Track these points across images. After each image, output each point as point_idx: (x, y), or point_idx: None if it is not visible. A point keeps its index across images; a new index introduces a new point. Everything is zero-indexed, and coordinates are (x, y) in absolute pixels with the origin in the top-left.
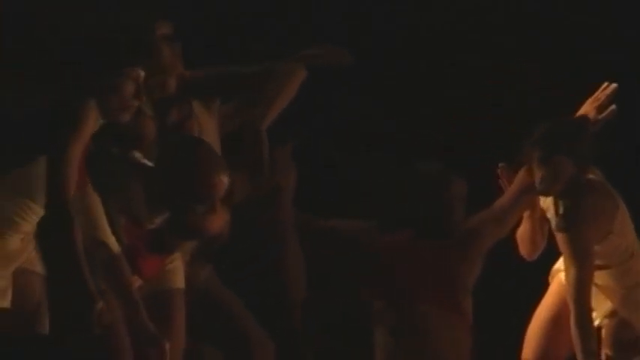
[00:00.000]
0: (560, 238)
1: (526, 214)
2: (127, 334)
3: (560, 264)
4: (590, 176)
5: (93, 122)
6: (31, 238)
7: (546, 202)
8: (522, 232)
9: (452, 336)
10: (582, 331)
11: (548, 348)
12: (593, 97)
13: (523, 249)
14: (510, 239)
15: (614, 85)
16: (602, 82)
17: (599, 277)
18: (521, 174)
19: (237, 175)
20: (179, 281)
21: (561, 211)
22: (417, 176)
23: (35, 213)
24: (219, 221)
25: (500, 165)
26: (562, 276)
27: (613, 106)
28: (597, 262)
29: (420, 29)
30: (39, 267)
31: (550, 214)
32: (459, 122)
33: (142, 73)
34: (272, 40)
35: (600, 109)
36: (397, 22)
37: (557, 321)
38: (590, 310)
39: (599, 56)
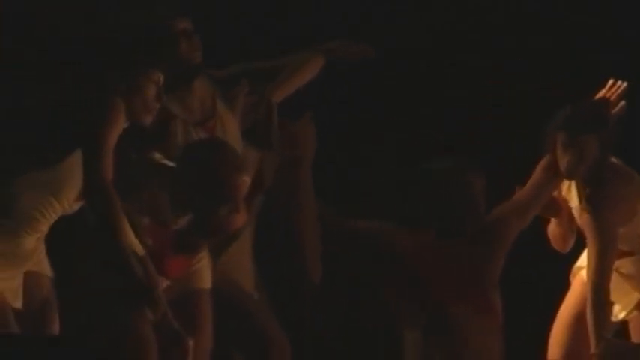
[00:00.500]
0: (584, 222)
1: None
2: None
3: (581, 262)
4: (613, 160)
5: (123, 119)
6: (42, 240)
7: (570, 192)
8: (552, 230)
9: (483, 335)
10: (597, 316)
11: (574, 347)
12: (599, 96)
13: (555, 245)
14: (533, 238)
15: (623, 84)
16: (602, 82)
17: (624, 266)
18: (541, 164)
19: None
20: (205, 281)
21: (586, 195)
22: (435, 174)
23: (55, 211)
24: (241, 220)
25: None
26: (583, 274)
27: (623, 102)
28: (621, 247)
29: (420, 29)
30: (47, 269)
31: (574, 203)
32: (464, 121)
33: (162, 77)
34: (272, 40)
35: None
36: (397, 21)
37: (580, 320)
38: (607, 295)
39: (599, 56)
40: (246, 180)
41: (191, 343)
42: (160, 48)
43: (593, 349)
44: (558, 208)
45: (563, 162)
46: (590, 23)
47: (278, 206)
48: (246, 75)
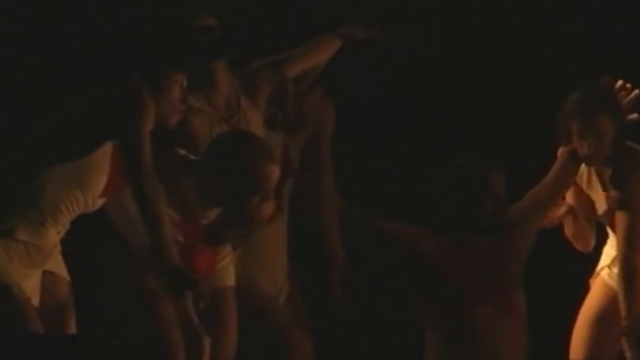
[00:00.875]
0: (612, 202)
1: (568, 212)
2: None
3: (602, 263)
4: (629, 143)
5: (153, 116)
6: (58, 241)
7: (591, 183)
8: (571, 231)
9: (506, 337)
10: (628, 289)
11: (596, 348)
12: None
13: (578, 244)
14: (553, 238)
15: (635, 91)
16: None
17: None
18: (559, 156)
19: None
20: (230, 279)
21: (612, 186)
22: (456, 172)
23: (79, 205)
24: (270, 208)
25: None
26: (604, 274)
27: (637, 91)
28: None
29: (433, 24)
30: (64, 272)
31: (595, 192)
32: (478, 118)
33: (185, 79)
34: (273, 40)
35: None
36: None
37: (602, 320)
38: (638, 268)
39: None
40: (276, 169)
41: (208, 341)
42: (182, 44)
43: (623, 322)
44: (569, 207)
45: (583, 147)
46: (603, 17)
47: (300, 185)
48: (267, 68)
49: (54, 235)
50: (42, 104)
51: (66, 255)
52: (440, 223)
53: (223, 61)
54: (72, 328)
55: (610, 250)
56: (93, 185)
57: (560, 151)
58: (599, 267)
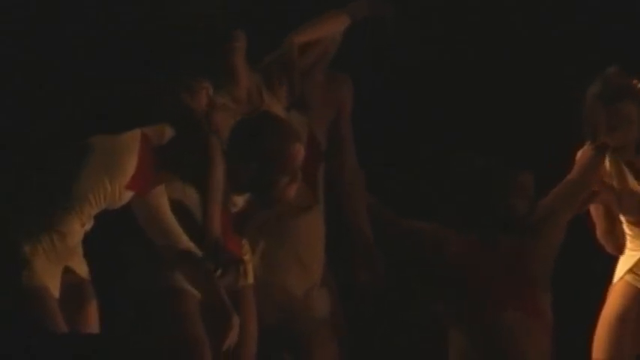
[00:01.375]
0: None
1: (599, 214)
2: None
3: (624, 266)
4: None
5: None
6: (81, 237)
7: (620, 175)
8: (602, 233)
9: (531, 338)
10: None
11: (618, 348)
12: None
13: (609, 247)
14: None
15: None
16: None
17: None
18: (583, 149)
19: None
20: (250, 276)
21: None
22: (480, 172)
23: (106, 196)
24: (295, 189)
25: None
26: (628, 278)
27: None
28: None
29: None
30: (85, 272)
31: (622, 183)
32: (502, 116)
33: (211, 86)
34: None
35: None
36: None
37: (624, 321)
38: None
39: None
40: (301, 147)
41: (237, 320)
42: (199, 42)
43: None
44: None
45: (615, 137)
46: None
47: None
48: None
49: (78, 226)
50: (42, 104)
51: (87, 253)
52: (466, 223)
53: (241, 56)
54: (95, 328)
55: (631, 254)
56: (121, 171)
57: (586, 147)
58: (621, 272)
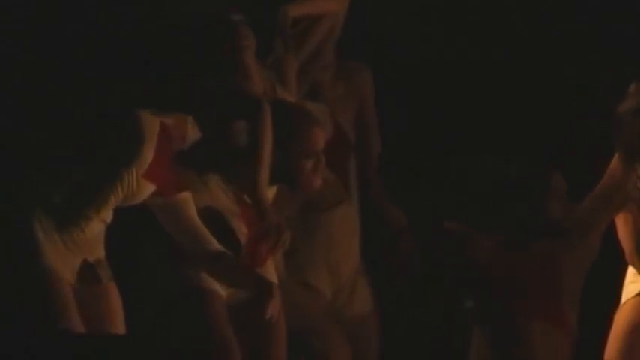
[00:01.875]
0: None
1: (626, 233)
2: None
3: (631, 292)
4: None
5: None
6: (100, 234)
7: None
8: (629, 252)
9: (552, 349)
10: None
11: (631, 350)
12: None
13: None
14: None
15: None
16: None
17: None
18: (617, 155)
19: None
20: (272, 275)
21: None
22: (518, 176)
23: (122, 187)
24: (320, 177)
25: None
26: None
27: None
28: None
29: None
30: (105, 267)
31: None
32: (534, 120)
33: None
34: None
35: None
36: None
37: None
38: None
39: None
40: (320, 131)
41: (277, 290)
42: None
43: None
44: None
45: None
46: None
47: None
48: (290, 51)
49: (94, 213)
50: (42, 104)
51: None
52: (498, 226)
53: (252, 54)
54: (121, 327)
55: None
56: (138, 157)
57: (615, 158)
58: (630, 294)
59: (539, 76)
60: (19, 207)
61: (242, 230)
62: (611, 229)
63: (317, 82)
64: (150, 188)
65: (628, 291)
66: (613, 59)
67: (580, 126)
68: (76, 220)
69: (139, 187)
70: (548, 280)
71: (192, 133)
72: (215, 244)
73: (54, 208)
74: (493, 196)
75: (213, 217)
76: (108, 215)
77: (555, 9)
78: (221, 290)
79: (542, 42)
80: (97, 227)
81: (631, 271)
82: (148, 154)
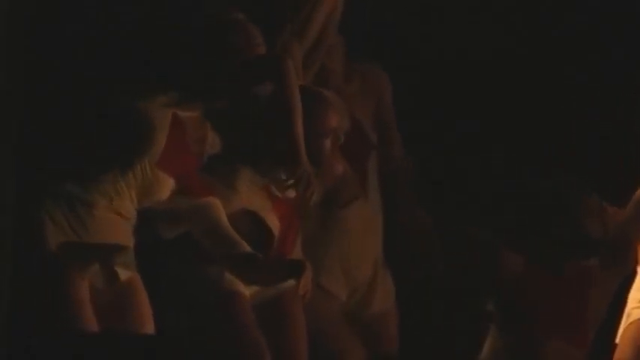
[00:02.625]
0: None
1: None
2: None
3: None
4: None
5: None
6: (121, 230)
7: None
8: None
9: None
10: None
11: None
12: None
13: None
14: None
15: None
16: None
17: None
18: None
19: None
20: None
21: None
22: (554, 193)
23: (136, 177)
24: (340, 161)
25: None
26: None
27: None
28: None
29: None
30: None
31: None
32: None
33: None
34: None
35: None
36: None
37: None
38: None
39: None
40: (334, 114)
41: (310, 269)
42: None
43: None
44: None
45: None
46: None
47: None
48: (295, 40)
49: (106, 201)
50: (42, 104)
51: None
52: (532, 244)
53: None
54: (149, 327)
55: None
56: (147, 144)
57: None
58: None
59: (539, 75)
60: (27, 198)
61: (275, 224)
62: None
63: (326, 69)
64: (169, 182)
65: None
66: (613, 59)
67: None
68: (88, 208)
69: (156, 178)
70: (577, 300)
71: (212, 139)
72: (245, 246)
73: (65, 195)
74: (528, 210)
75: (249, 218)
76: (123, 207)
77: (555, 9)
78: (245, 291)
79: (542, 42)
80: (111, 217)
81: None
82: (159, 142)
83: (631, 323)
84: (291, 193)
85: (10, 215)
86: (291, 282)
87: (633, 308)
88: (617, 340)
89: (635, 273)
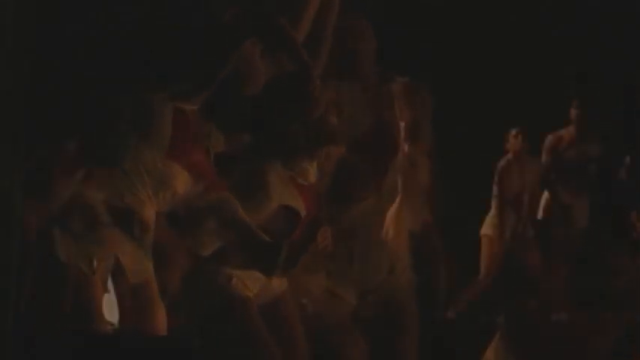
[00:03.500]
0: None
1: None
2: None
3: None
4: None
5: None
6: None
7: None
8: None
9: None
10: None
11: None
12: None
13: None
14: None
15: None
16: None
17: None
18: None
19: None
20: (284, 283)
21: None
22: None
23: (147, 168)
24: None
25: None
26: None
27: None
28: None
29: None
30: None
31: None
32: None
33: None
34: None
35: None
36: None
37: None
38: None
39: None
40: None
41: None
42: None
43: None
44: None
45: None
46: None
47: None
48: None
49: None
50: (42, 104)
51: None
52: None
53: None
54: (162, 329)
55: None
56: (156, 136)
57: None
58: None
59: (540, 75)
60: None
61: (303, 211)
62: None
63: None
64: (182, 173)
65: None
66: (613, 59)
67: None
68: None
69: (169, 169)
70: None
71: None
72: (263, 236)
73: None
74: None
75: (283, 211)
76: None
77: (555, 9)
78: (251, 294)
79: (543, 42)
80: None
81: None
82: (165, 130)
83: None
84: (313, 179)
85: (14, 215)
86: (286, 285)
87: None
88: None
89: None
